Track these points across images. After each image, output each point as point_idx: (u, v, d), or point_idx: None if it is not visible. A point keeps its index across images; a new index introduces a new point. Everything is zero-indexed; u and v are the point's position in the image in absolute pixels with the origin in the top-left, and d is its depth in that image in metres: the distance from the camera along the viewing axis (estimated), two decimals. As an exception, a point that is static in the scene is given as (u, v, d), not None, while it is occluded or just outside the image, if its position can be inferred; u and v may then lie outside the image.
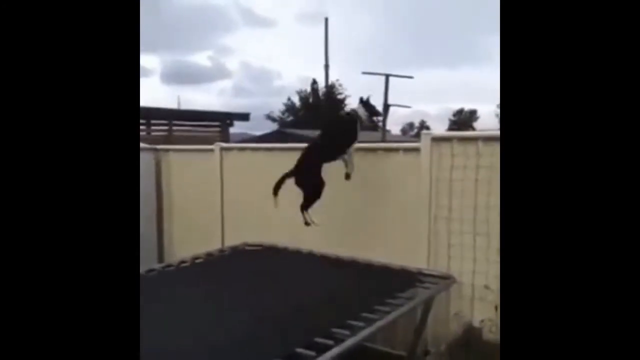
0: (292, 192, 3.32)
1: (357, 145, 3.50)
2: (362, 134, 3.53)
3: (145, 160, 5.16)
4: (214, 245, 4.18)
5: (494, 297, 3.10)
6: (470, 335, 3.14)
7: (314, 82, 39.33)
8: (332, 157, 3.37)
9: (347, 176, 3.46)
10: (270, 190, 3.32)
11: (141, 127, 8.95)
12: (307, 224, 3.33)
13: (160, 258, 5.11)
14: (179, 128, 10.31)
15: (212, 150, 4.80)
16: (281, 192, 3.32)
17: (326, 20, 20.00)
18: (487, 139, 3.18)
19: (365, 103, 3.51)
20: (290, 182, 3.31)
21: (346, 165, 3.46)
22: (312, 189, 3.27)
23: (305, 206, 3.29)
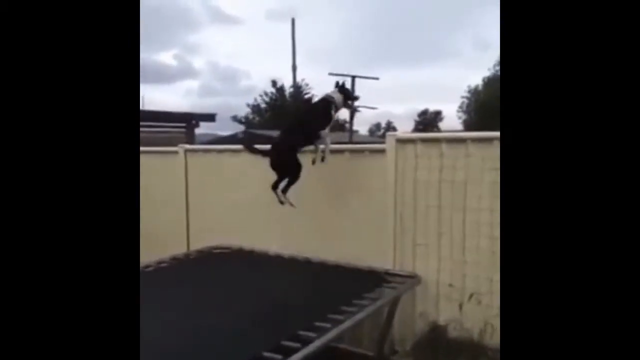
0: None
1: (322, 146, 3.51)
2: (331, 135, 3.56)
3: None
4: (179, 249, 4.11)
5: (458, 295, 3.17)
6: (436, 334, 3.20)
7: (274, 83, 39.08)
8: (308, 142, 3.40)
9: (314, 161, 3.47)
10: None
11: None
12: (281, 202, 3.33)
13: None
14: (143, 129, 10.11)
15: (176, 152, 4.72)
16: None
17: (293, 21, 19.97)
18: (450, 141, 3.25)
19: (341, 87, 3.61)
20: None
21: (316, 150, 3.47)
22: (291, 171, 3.27)
23: (285, 188, 3.28)
